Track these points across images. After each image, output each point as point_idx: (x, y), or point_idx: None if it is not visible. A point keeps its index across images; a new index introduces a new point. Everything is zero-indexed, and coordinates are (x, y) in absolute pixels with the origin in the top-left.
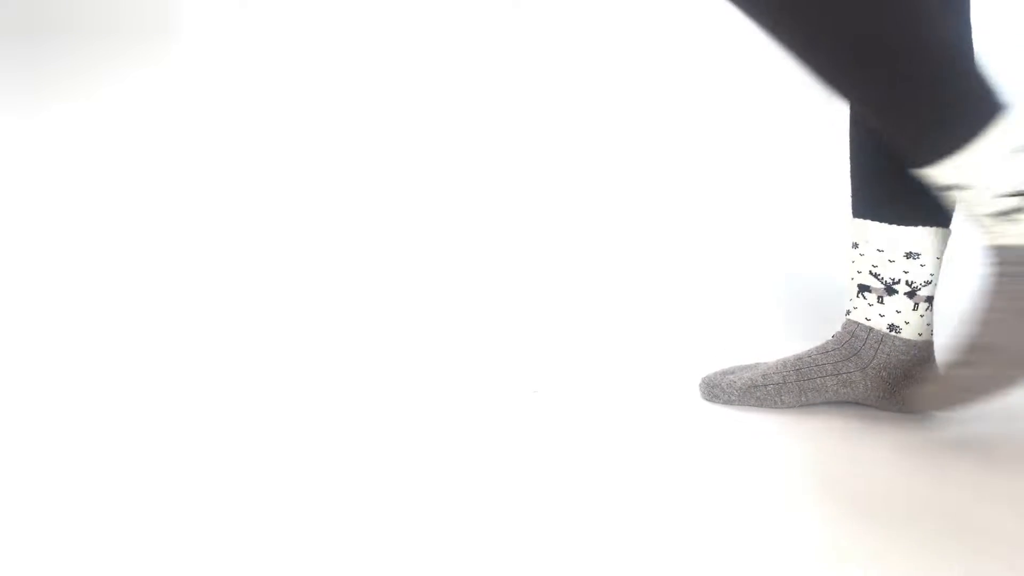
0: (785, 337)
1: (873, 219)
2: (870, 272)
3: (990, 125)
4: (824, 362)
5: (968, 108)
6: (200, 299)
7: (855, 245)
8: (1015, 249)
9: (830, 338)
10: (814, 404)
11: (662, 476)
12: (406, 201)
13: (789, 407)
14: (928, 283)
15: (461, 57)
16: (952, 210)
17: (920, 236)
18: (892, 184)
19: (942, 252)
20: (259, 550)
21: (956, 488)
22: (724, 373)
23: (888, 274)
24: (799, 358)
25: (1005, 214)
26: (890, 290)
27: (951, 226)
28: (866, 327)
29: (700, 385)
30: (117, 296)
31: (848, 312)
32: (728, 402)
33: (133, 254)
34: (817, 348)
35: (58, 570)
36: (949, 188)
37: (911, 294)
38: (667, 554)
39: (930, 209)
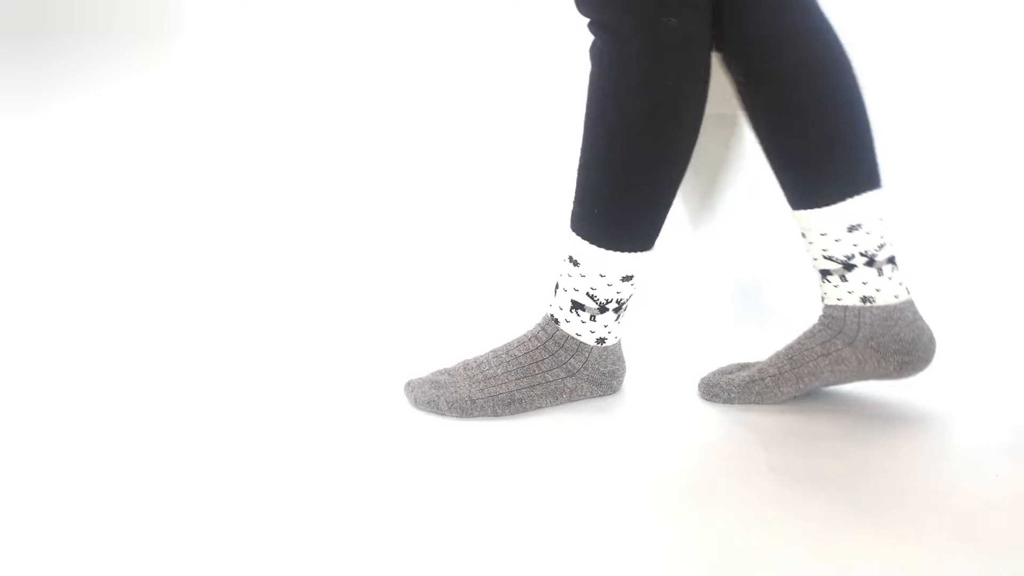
0: (783, 336)
1: (806, 207)
2: (824, 257)
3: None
4: (813, 345)
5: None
6: (200, 298)
7: (803, 235)
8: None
9: (815, 324)
10: (815, 390)
11: (661, 475)
12: (406, 201)
13: (790, 396)
14: (882, 246)
15: (461, 57)
16: (876, 167)
17: (854, 207)
18: (807, 170)
19: (881, 211)
20: (255, 549)
21: (958, 490)
22: (721, 372)
23: (840, 252)
24: (789, 347)
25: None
26: (848, 266)
27: (880, 184)
28: (842, 307)
29: (699, 386)
30: (117, 295)
31: (823, 299)
32: (728, 400)
33: (133, 254)
34: (804, 334)
35: (58, 570)
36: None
37: (870, 263)
38: (669, 552)
39: (852, 178)
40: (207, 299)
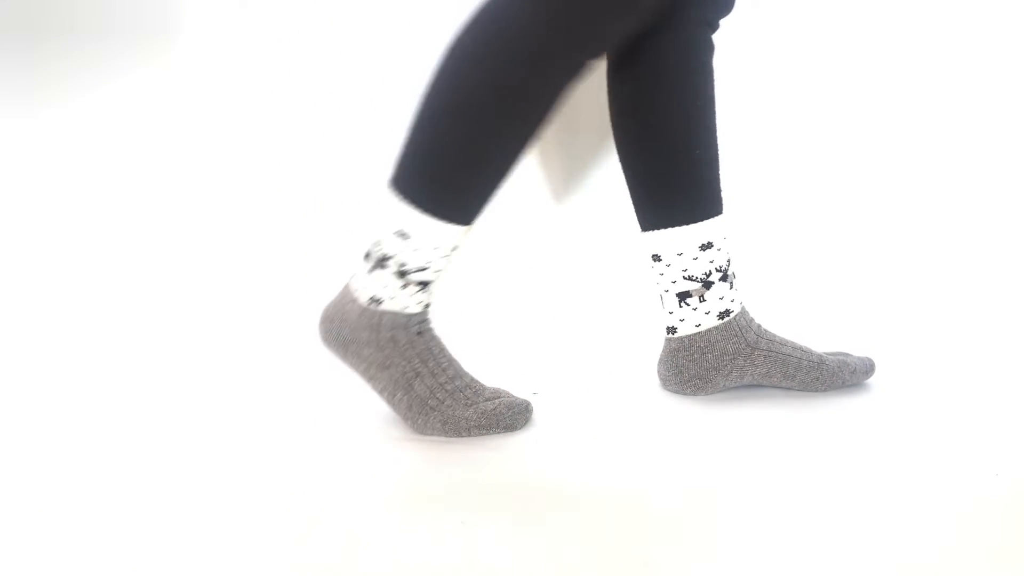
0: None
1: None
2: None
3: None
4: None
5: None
6: (199, 299)
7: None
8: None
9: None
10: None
11: (659, 476)
12: None
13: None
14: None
15: None
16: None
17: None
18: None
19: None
20: (256, 550)
21: (958, 490)
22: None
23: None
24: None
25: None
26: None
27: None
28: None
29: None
30: (117, 296)
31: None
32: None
33: (133, 254)
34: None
35: (57, 570)
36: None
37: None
38: (672, 552)
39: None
40: (205, 297)
